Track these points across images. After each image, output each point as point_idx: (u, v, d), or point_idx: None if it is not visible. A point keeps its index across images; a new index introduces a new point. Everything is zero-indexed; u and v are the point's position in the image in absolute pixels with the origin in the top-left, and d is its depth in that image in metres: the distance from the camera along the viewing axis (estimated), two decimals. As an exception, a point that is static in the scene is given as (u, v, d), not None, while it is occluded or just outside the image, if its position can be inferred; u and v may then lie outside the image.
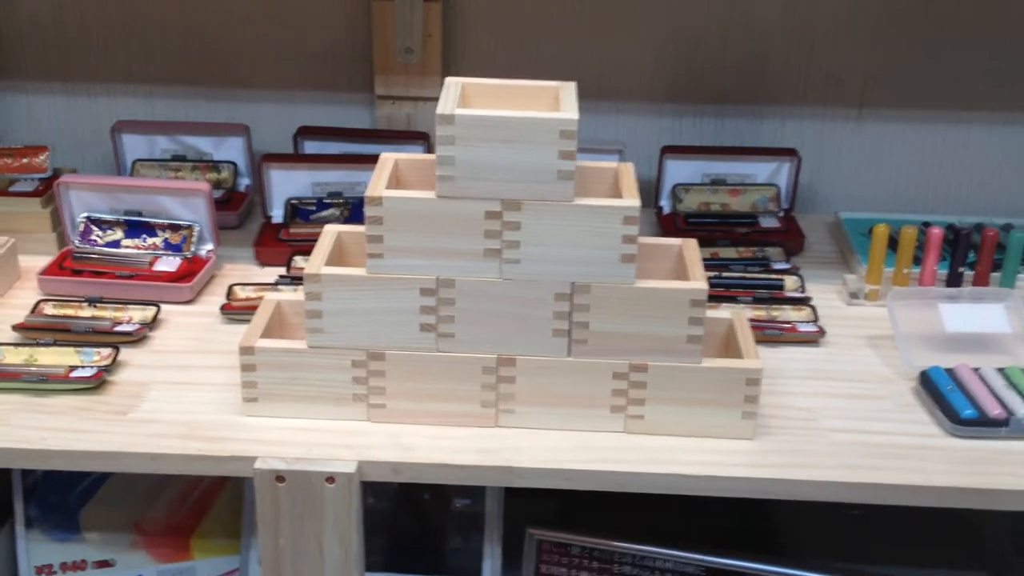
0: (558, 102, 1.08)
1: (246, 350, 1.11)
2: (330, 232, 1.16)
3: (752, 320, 1.28)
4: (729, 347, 1.17)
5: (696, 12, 1.59)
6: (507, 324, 1.08)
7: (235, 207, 1.56)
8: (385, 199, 1.05)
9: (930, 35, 1.59)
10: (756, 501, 1.45)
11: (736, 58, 1.61)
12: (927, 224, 1.43)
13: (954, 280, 1.35)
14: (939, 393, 1.15)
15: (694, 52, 1.61)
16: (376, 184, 1.08)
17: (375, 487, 1.43)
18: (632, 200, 1.06)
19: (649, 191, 1.58)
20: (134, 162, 1.60)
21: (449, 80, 1.11)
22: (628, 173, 1.12)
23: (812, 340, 1.29)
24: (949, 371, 1.18)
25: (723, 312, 1.19)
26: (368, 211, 1.06)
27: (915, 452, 1.10)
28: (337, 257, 1.14)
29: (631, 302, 1.07)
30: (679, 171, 1.57)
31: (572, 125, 1.02)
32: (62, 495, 1.42)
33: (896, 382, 1.22)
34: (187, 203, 1.40)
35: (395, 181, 1.12)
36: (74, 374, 1.17)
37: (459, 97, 1.07)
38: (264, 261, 1.45)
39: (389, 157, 1.14)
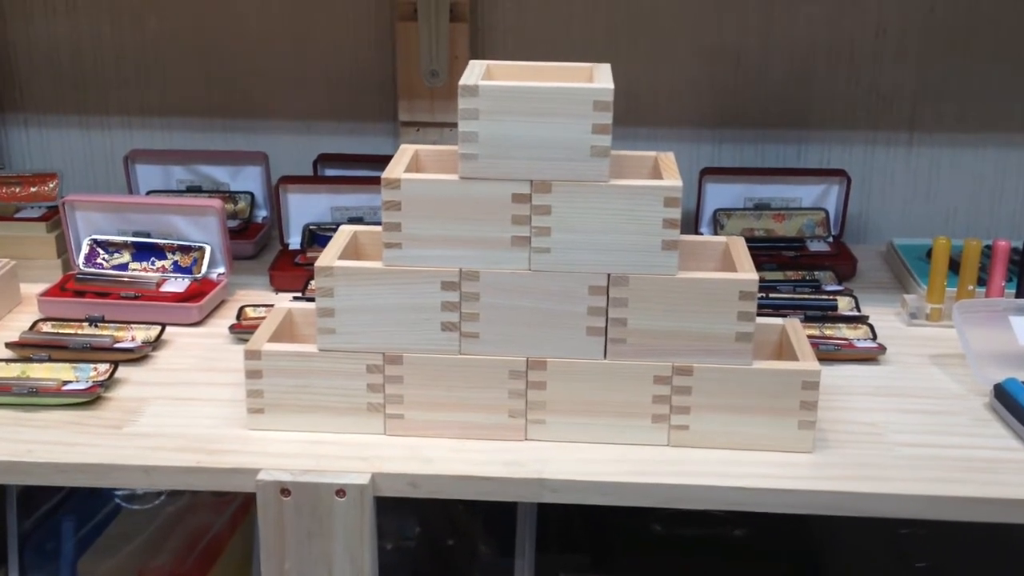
0: (592, 81, 1.00)
1: (252, 354, 1.01)
2: (346, 231, 1.08)
3: (805, 337, 1.17)
4: (783, 355, 1.06)
5: (734, 31, 1.51)
6: (537, 322, 0.99)
7: (251, 236, 1.48)
8: (403, 182, 0.97)
9: (984, 51, 1.50)
10: (808, 546, 1.34)
11: (778, 79, 1.53)
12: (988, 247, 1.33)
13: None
14: (1017, 405, 1.05)
15: (732, 74, 1.53)
16: (394, 168, 0.99)
17: (397, 534, 1.33)
18: (673, 180, 0.97)
19: (688, 220, 1.48)
20: (147, 193, 1.53)
21: (473, 62, 1.03)
22: (669, 161, 1.04)
23: (872, 357, 1.18)
24: (1026, 383, 1.07)
25: (774, 319, 1.09)
26: (385, 195, 0.97)
27: (993, 465, 0.99)
28: (353, 255, 1.05)
29: (673, 295, 0.97)
30: (720, 196, 1.48)
31: (607, 95, 0.94)
32: (59, 543, 1.34)
33: (968, 398, 1.11)
34: (198, 222, 1.32)
35: (415, 170, 1.04)
36: (67, 388, 1.08)
37: (484, 75, 0.99)
38: (279, 286, 1.37)
39: (409, 147, 1.06)
